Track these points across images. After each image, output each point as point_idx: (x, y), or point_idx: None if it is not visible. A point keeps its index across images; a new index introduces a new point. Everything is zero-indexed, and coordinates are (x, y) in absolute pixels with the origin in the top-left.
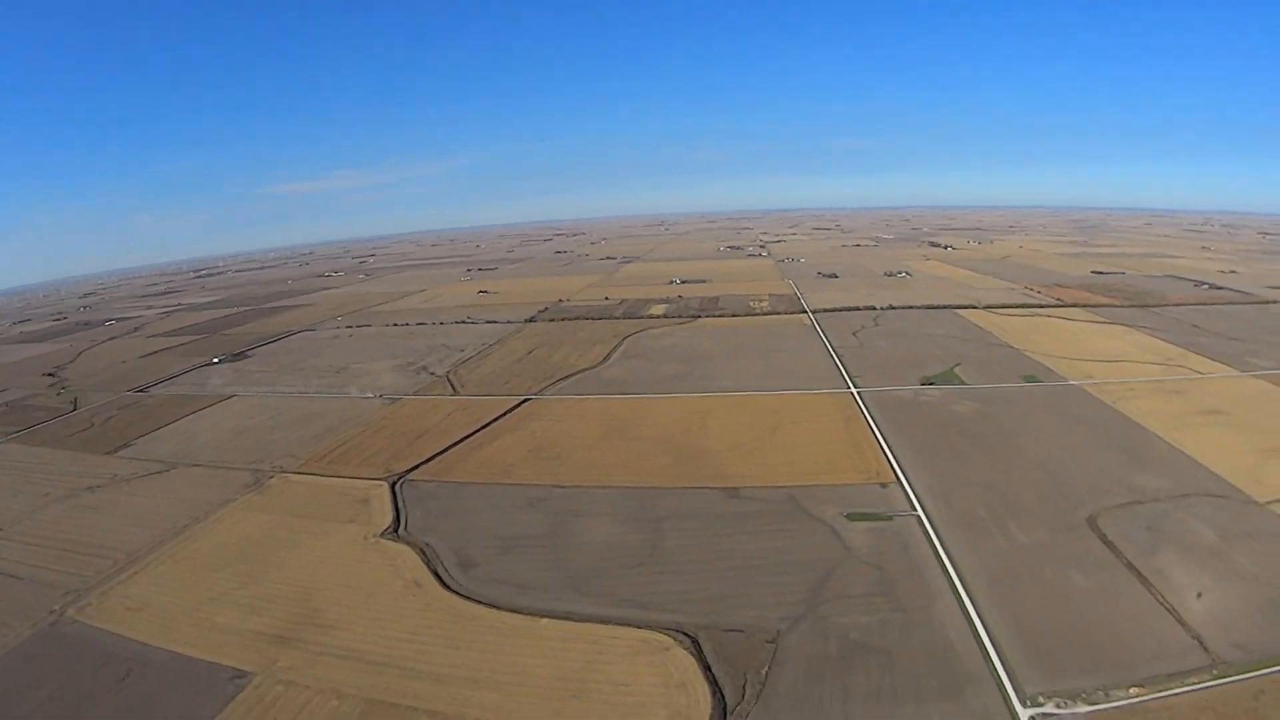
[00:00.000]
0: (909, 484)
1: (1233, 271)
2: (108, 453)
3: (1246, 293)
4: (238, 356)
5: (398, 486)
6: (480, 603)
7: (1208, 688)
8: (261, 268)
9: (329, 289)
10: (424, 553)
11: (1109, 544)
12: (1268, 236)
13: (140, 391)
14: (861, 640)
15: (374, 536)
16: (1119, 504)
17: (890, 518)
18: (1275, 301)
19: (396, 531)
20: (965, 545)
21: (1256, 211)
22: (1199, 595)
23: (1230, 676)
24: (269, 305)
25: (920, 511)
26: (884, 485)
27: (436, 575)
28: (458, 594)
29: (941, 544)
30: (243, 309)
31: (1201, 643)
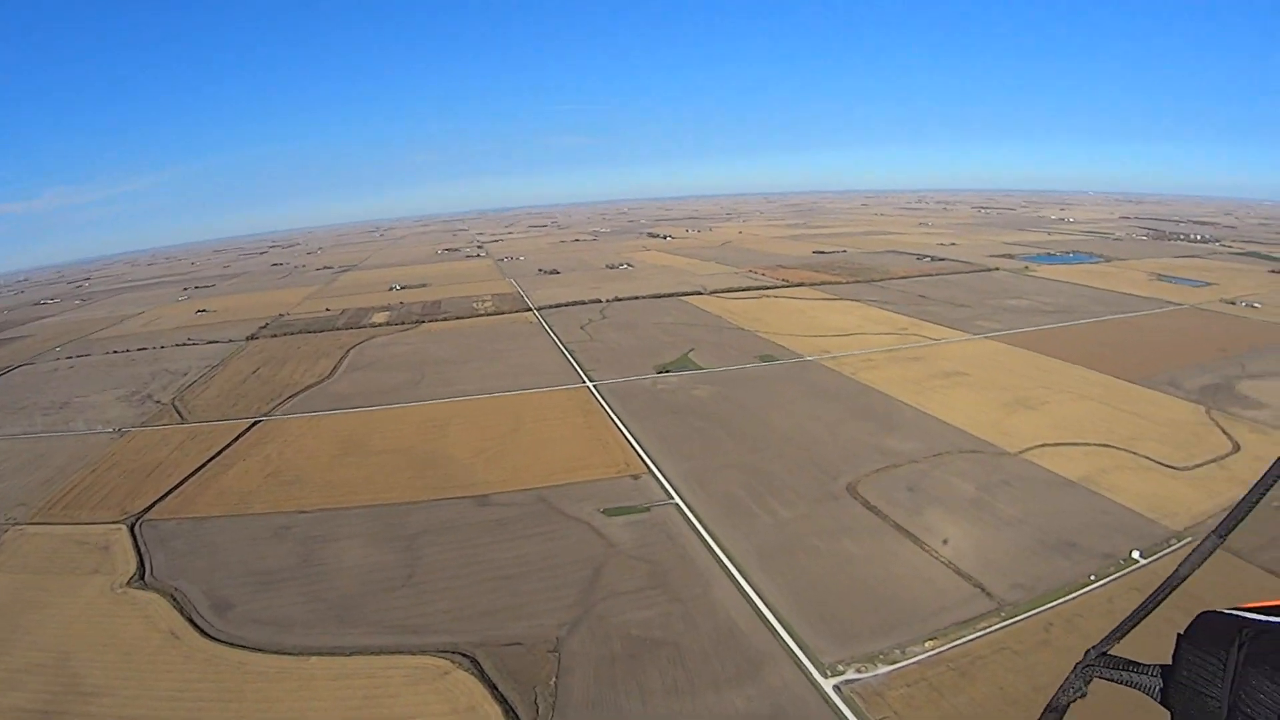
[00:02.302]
0: (661, 473)
1: (952, 244)
2: None
3: (967, 262)
4: None
5: (137, 528)
6: (244, 647)
7: (999, 629)
8: None
9: (45, 318)
10: (175, 599)
11: (873, 509)
12: (982, 210)
13: None
14: (645, 635)
15: (121, 586)
16: (876, 469)
17: (648, 509)
18: (995, 269)
19: (143, 578)
20: (729, 527)
21: (968, 188)
22: (945, 542)
23: (1018, 615)
24: None
25: (678, 499)
26: (636, 477)
27: (192, 623)
28: (219, 641)
29: (705, 528)
30: None
31: (983, 589)
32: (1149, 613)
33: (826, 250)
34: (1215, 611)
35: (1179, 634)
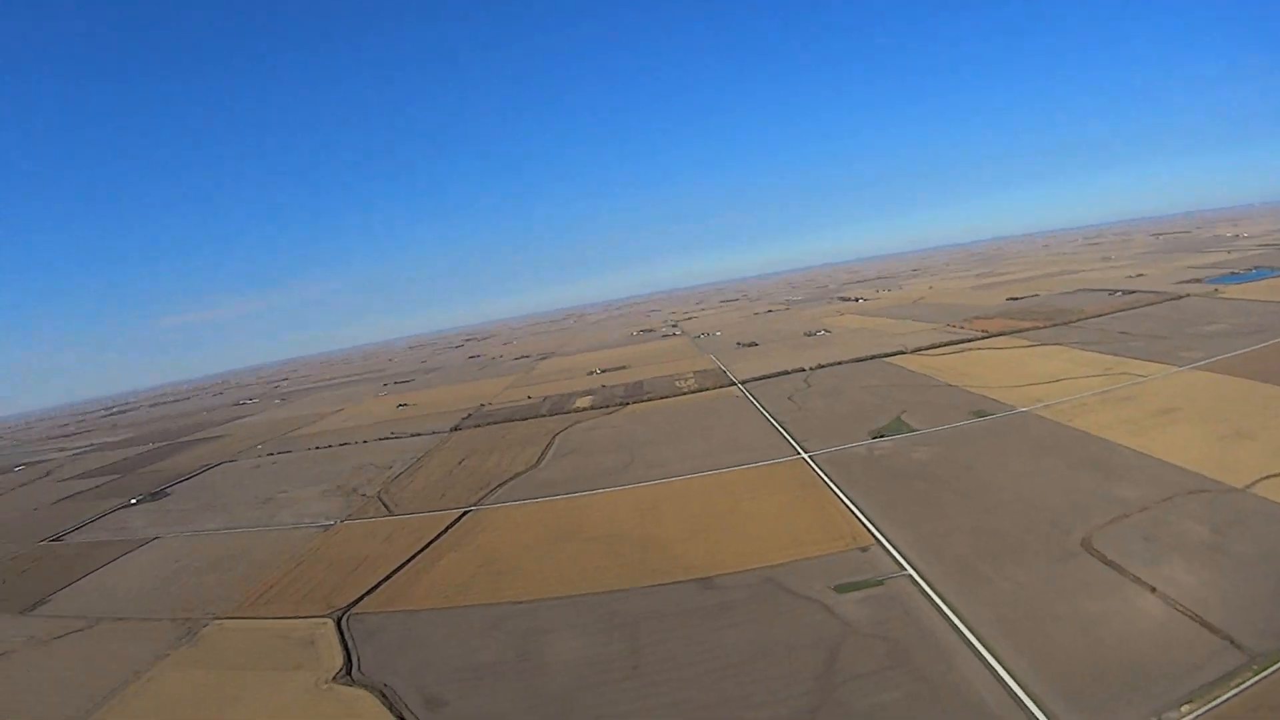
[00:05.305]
0: (890, 543)
1: (1139, 275)
2: (21, 612)
3: (1158, 292)
4: (157, 495)
5: (344, 622)
6: None
7: (1253, 684)
8: (175, 400)
9: (245, 417)
10: (385, 695)
11: (1110, 563)
12: (1160, 237)
13: (55, 540)
14: None
15: (326, 682)
16: (1107, 520)
17: (881, 582)
18: (1185, 295)
19: (350, 674)
20: (966, 595)
21: (1143, 216)
22: (1153, 590)
23: (1270, 668)
24: (186, 439)
25: (910, 569)
26: (864, 549)
27: None
28: None
29: (942, 599)
30: (159, 445)
31: (1232, 640)
32: None
33: (1019, 296)
34: None
35: None
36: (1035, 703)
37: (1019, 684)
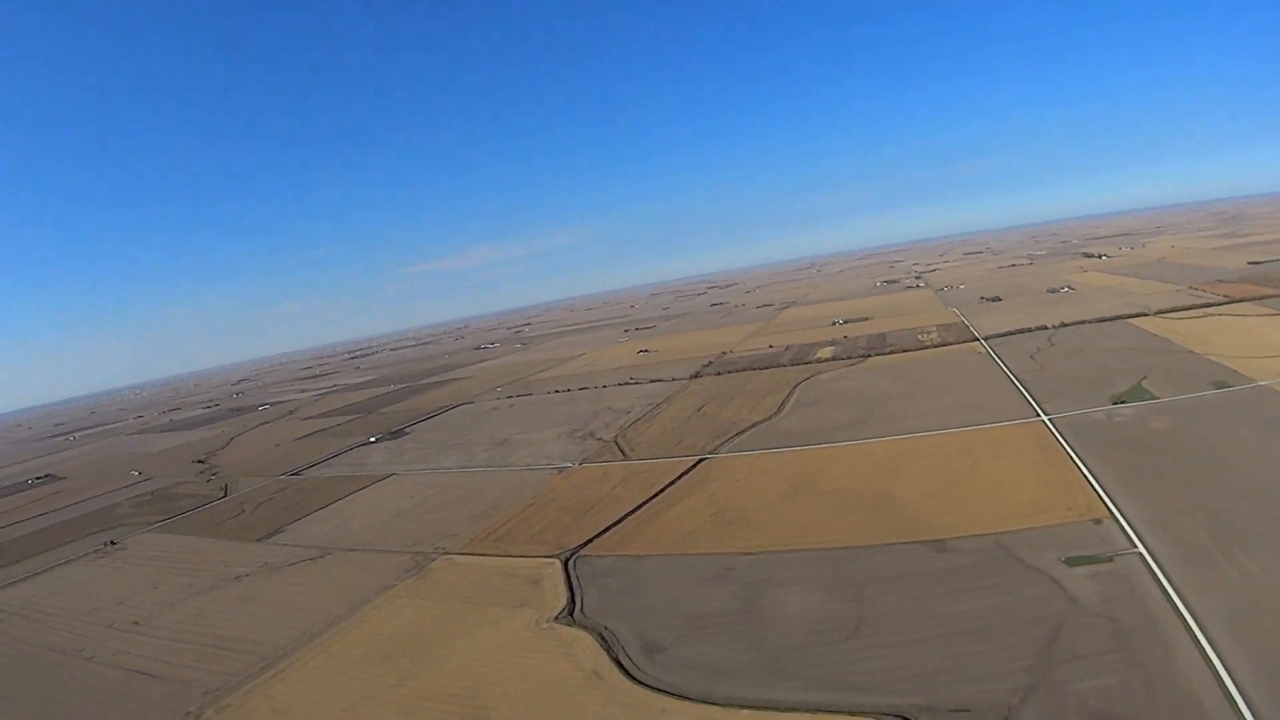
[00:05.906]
0: (1123, 517)
1: None
2: (258, 540)
3: None
4: (395, 434)
5: (571, 564)
6: (670, 694)
7: None
8: (416, 345)
9: (486, 361)
10: (603, 638)
11: None
12: None
13: (294, 475)
14: (1104, 709)
15: (547, 621)
16: None
17: (1111, 558)
18: None
19: (572, 614)
20: (1195, 582)
21: None
22: None
23: None
24: (425, 381)
25: (1141, 547)
26: (1097, 521)
27: (618, 663)
28: (644, 685)
29: (1170, 583)
30: (399, 387)
31: None
32: None
33: (1261, 260)
34: None
35: None
36: (1250, 709)
37: (1237, 685)
